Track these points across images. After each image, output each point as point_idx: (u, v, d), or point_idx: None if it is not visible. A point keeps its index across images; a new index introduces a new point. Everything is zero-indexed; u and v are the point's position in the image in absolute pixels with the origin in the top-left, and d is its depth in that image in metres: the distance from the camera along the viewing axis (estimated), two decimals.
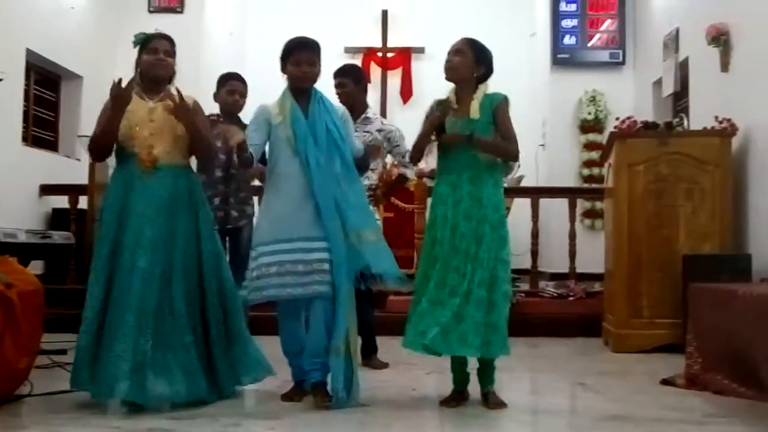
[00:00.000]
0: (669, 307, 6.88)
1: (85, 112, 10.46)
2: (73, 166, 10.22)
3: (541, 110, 11.99)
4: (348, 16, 13.33)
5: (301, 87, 4.87)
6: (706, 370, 5.29)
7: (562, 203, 9.40)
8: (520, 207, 9.83)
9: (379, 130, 6.28)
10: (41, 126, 10.25)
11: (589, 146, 11.45)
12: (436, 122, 4.76)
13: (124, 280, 4.62)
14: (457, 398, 4.75)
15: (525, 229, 9.19)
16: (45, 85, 10.36)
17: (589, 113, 11.47)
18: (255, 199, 6.59)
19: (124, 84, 4.74)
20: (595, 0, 11.65)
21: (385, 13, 13.60)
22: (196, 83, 5.01)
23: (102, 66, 10.83)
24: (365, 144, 5.58)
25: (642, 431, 4.20)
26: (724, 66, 7.61)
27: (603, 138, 10.46)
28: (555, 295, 8.78)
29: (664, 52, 9.65)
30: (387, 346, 6.26)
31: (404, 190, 9.33)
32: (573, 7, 11.71)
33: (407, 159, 6.34)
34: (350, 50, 13.15)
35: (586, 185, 11.15)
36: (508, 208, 9.10)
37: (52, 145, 10.45)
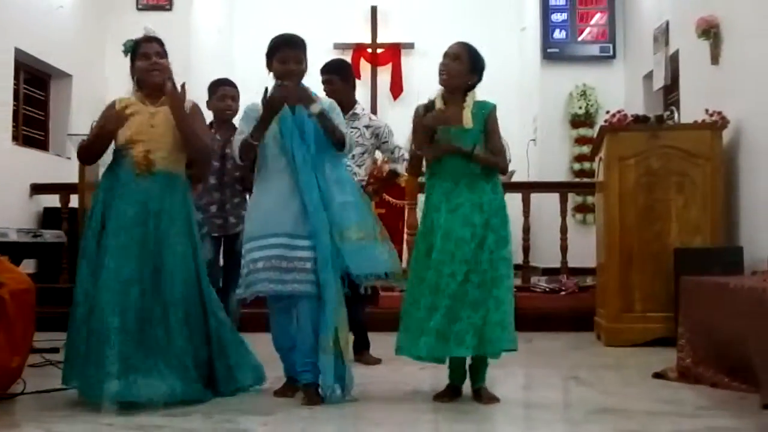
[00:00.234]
0: (661, 300, 6.89)
1: (75, 111, 10.48)
2: (63, 165, 10.21)
3: (532, 105, 12.01)
4: (337, 12, 13.33)
5: None
6: (697, 363, 5.30)
7: (554, 198, 9.41)
8: (512, 202, 9.79)
9: (367, 126, 6.27)
10: (31, 125, 10.24)
11: (580, 141, 11.48)
12: (429, 132, 4.75)
13: (108, 284, 4.57)
14: (450, 393, 4.75)
15: (516, 224, 9.17)
16: (34, 84, 10.34)
17: (580, 108, 11.51)
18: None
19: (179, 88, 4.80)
20: None
21: (374, 9, 13.58)
22: (181, 79, 4.98)
23: (91, 64, 10.85)
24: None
25: (634, 424, 4.20)
26: (715, 59, 7.62)
27: (594, 132, 10.46)
28: (547, 289, 8.80)
29: (654, 45, 9.66)
30: (379, 342, 6.26)
31: (395, 186, 9.33)
32: (562, 1, 11.76)
33: (396, 155, 6.35)
34: (339, 46, 13.15)
35: (577, 180, 11.18)
36: None
37: (42, 144, 10.45)
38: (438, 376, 4.95)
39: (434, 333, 4.51)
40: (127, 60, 5.05)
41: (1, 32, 8.96)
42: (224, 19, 13.17)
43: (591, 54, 11.69)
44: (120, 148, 4.81)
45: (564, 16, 11.72)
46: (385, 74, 13.54)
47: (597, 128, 8.98)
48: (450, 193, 4.71)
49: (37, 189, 9.56)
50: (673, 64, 9.10)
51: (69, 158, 10.19)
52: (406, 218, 9.15)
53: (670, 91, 9.60)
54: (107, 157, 4.96)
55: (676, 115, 7.66)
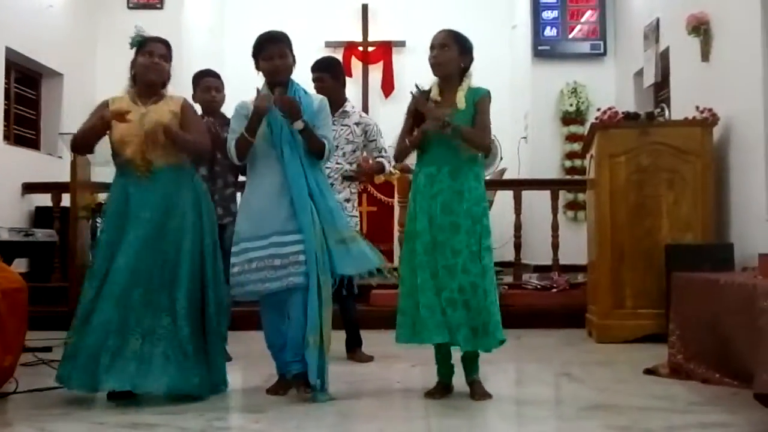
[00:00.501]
0: (652, 297, 6.90)
1: (66, 110, 10.45)
2: (54, 164, 10.19)
3: (523, 103, 12.01)
4: (328, 11, 13.31)
5: (276, 81, 4.85)
6: (689, 359, 5.32)
7: (545, 195, 9.41)
8: (503, 199, 9.85)
9: (357, 123, 6.28)
10: (22, 124, 10.21)
11: (571, 138, 11.47)
12: (420, 107, 4.75)
13: (114, 279, 4.61)
14: (441, 390, 4.76)
15: (508, 221, 9.22)
16: (25, 83, 10.32)
17: (571, 105, 11.50)
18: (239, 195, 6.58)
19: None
20: None
21: (365, 7, 13.57)
22: (175, 79, 4.98)
23: (82, 63, 10.83)
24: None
25: (626, 420, 4.21)
26: (705, 56, 7.63)
27: (585, 129, 10.44)
28: (538, 286, 8.80)
29: (644, 42, 9.67)
30: (371, 340, 6.27)
31: (386, 184, 9.35)
32: None
33: (383, 155, 6.35)
34: (331, 44, 13.14)
35: (568, 177, 11.18)
36: (491, 201, 9.16)
37: (33, 144, 10.41)
38: (429, 373, 4.94)
39: (428, 320, 4.53)
40: (119, 59, 5.05)
41: None
42: (215, 18, 13.14)
43: (582, 51, 11.68)
44: (116, 151, 4.82)
45: (555, 13, 11.71)
46: (376, 72, 13.53)
47: (588, 125, 8.98)
48: (433, 179, 4.72)
49: (29, 188, 9.54)
50: (663, 61, 9.11)
51: (60, 157, 10.19)
52: (397, 216, 9.16)
53: (661, 88, 9.61)
54: (99, 157, 4.96)
55: (666, 112, 7.67)
